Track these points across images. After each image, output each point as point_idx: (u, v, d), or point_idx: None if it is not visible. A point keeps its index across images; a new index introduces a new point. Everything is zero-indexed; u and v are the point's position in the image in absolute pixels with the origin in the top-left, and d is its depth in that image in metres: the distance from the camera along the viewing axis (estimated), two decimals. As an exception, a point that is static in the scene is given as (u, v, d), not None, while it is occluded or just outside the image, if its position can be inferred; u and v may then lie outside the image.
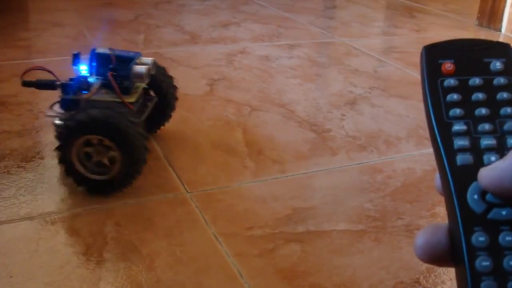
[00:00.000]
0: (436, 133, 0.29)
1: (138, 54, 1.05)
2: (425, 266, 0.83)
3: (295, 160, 1.13)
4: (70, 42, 1.85)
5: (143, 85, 1.05)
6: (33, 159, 1.08)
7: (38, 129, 1.21)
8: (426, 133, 1.14)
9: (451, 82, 0.30)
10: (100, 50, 1.04)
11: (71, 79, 1.01)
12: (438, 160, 0.29)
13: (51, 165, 1.06)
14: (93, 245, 0.84)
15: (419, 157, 1.17)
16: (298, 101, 1.43)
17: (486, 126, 0.29)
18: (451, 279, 0.81)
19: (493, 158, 0.28)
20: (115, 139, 0.92)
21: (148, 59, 1.06)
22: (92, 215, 0.92)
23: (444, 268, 0.83)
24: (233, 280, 0.78)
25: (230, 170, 1.08)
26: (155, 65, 1.08)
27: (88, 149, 0.94)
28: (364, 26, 2.29)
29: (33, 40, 1.87)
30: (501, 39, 2.19)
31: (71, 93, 1.00)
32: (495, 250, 0.26)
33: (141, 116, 1.03)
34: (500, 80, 0.30)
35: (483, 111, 0.29)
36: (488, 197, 0.27)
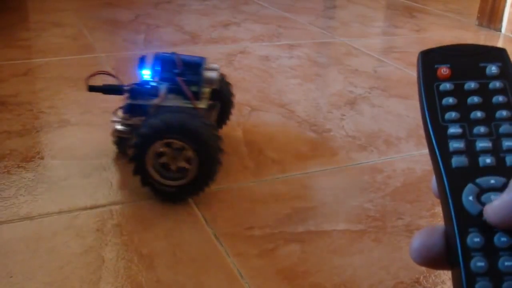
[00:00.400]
0: (432, 136, 0.29)
1: (204, 59, 1.02)
2: (425, 266, 0.83)
3: (295, 160, 1.13)
4: (70, 42, 1.85)
5: (208, 90, 1.03)
6: (33, 159, 1.08)
7: (38, 129, 1.21)
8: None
9: (446, 86, 0.31)
10: (164, 54, 1.01)
11: (136, 84, 0.99)
12: (433, 163, 0.29)
13: (51, 165, 1.06)
14: (93, 245, 0.84)
15: (419, 157, 1.17)
16: (298, 101, 1.43)
17: (482, 129, 0.29)
18: (451, 279, 0.81)
19: (488, 161, 0.28)
20: (193, 142, 0.89)
21: (214, 65, 1.04)
22: (92, 215, 0.92)
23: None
24: (233, 280, 0.78)
25: (230, 170, 1.08)
26: (218, 70, 1.06)
27: (163, 159, 0.92)
28: (364, 26, 2.29)
29: (33, 40, 1.87)
30: (501, 39, 2.19)
31: (139, 98, 0.98)
32: (490, 251, 0.26)
33: (211, 121, 1.01)
34: (496, 84, 0.30)
35: (479, 114, 0.30)
36: (483, 198, 0.27)
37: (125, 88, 1.00)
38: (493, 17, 2.29)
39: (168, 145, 0.91)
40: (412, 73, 1.68)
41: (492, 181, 0.28)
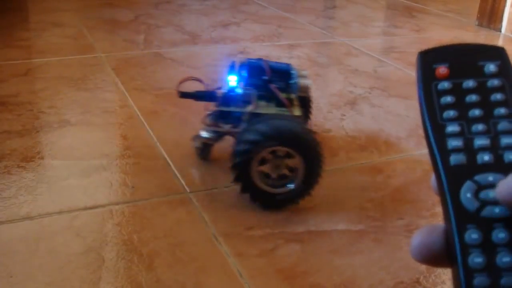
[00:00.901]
0: (430, 134, 0.30)
1: (290, 65, 1.02)
2: (425, 266, 0.83)
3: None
4: (70, 42, 1.85)
5: (294, 96, 1.02)
6: (33, 159, 1.08)
7: (38, 129, 1.21)
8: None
9: (445, 85, 0.31)
10: (251, 60, 1.01)
11: (227, 91, 0.99)
12: (432, 161, 0.29)
13: (51, 165, 1.06)
14: (93, 245, 0.84)
15: (419, 157, 1.17)
16: (298, 101, 1.43)
17: (480, 127, 0.29)
18: (451, 279, 0.81)
19: (486, 158, 0.28)
20: (301, 149, 0.89)
21: (304, 71, 1.04)
22: (92, 215, 0.92)
23: (444, 268, 0.83)
24: (233, 280, 0.78)
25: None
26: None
27: (265, 166, 0.91)
28: (364, 26, 2.29)
29: (33, 40, 1.87)
30: (501, 39, 2.19)
31: (231, 105, 0.98)
32: (488, 247, 0.26)
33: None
34: (494, 82, 0.30)
35: (477, 112, 0.30)
36: (481, 195, 0.27)
37: (218, 95, 0.99)
38: (493, 17, 2.29)
39: (272, 152, 0.90)
40: (412, 73, 1.68)
41: (490, 178, 0.28)
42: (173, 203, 0.96)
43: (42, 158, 1.09)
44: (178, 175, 1.05)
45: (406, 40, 2.11)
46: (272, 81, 0.98)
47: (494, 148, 0.28)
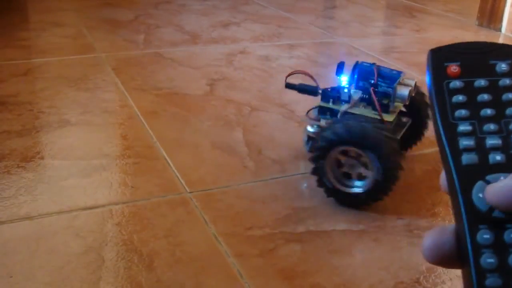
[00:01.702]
0: (442, 133, 0.29)
1: (401, 73, 1.03)
2: (425, 266, 0.83)
3: (295, 160, 1.13)
4: (70, 42, 1.85)
5: (401, 105, 1.03)
6: (33, 159, 1.08)
7: (38, 129, 1.21)
8: (426, 133, 1.14)
9: (456, 84, 0.30)
10: (364, 63, 1.04)
11: (330, 88, 1.02)
12: (443, 160, 0.29)
13: (51, 165, 1.06)
14: (93, 245, 0.84)
15: (419, 157, 1.17)
16: (298, 101, 1.43)
17: (492, 126, 0.29)
18: (451, 279, 0.81)
19: (498, 158, 0.28)
20: (371, 153, 0.90)
21: (411, 81, 1.04)
22: (92, 215, 0.92)
23: (444, 268, 0.83)
24: (233, 280, 0.78)
25: (230, 170, 1.08)
26: (416, 86, 1.05)
27: (342, 165, 0.94)
28: (364, 26, 2.28)
29: (33, 40, 1.87)
30: (501, 39, 2.19)
31: (330, 101, 1.01)
32: (500, 248, 0.26)
33: (396, 135, 1.00)
34: (506, 81, 0.30)
35: (489, 111, 0.29)
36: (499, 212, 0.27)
37: (319, 90, 1.04)
38: (493, 17, 2.29)
39: (345, 151, 0.93)
40: (412, 73, 1.68)
41: (502, 178, 0.28)
42: (173, 203, 0.96)
43: (42, 158, 1.09)
44: (178, 175, 1.05)
45: (406, 40, 2.11)
46: (377, 85, 1.00)
47: (506, 148, 0.28)
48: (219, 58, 1.74)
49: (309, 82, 1.10)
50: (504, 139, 0.29)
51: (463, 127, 0.29)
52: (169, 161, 1.09)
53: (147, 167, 1.07)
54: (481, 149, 0.28)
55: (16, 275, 0.77)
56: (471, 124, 0.29)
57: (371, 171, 0.92)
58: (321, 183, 0.96)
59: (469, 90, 0.30)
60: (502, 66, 0.30)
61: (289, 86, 1.09)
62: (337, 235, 0.89)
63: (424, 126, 1.13)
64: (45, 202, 0.94)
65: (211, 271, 0.80)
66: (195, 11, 2.38)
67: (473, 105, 0.30)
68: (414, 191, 1.03)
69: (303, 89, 1.09)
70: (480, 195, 0.27)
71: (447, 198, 1.00)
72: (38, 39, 1.87)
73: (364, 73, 1.02)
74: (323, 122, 1.03)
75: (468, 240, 0.27)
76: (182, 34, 2.00)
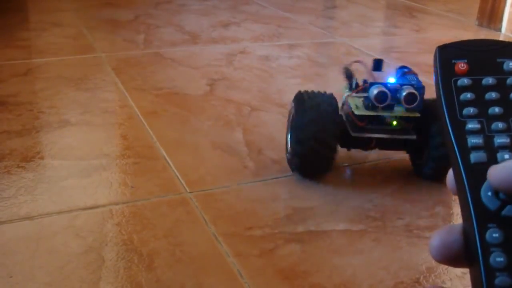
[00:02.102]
0: (450, 131, 0.29)
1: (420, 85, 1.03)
2: (425, 266, 0.83)
3: (295, 160, 1.12)
4: (70, 42, 1.85)
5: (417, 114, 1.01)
6: (33, 159, 1.08)
7: (38, 129, 1.21)
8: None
9: (464, 81, 0.30)
10: (405, 69, 1.08)
11: (370, 83, 1.04)
12: (452, 158, 0.29)
13: (51, 165, 1.06)
14: (93, 245, 0.84)
15: (419, 157, 1.16)
16: (298, 101, 1.43)
17: (500, 125, 0.29)
18: (451, 279, 0.81)
19: (506, 156, 0.28)
20: None
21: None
22: (92, 215, 0.92)
23: (444, 268, 0.83)
24: (233, 280, 0.78)
25: (230, 170, 1.08)
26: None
27: None
28: (364, 26, 2.28)
29: (33, 40, 1.87)
30: (501, 39, 2.19)
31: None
32: (509, 246, 0.26)
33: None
34: None
35: (497, 110, 0.29)
36: (502, 194, 0.27)
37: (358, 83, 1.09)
38: (493, 17, 2.29)
39: None
40: (412, 73, 1.68)
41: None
42: (173, 203, 0.96)
43: (42, 158, 1.09)
44: (178, 175, 1.05)
45: (406, 40, 2.11)
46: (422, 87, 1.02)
47: None
48: (219, 58, 1.74)
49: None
50: None
51: (472, 125, 0.29)
52: (169, 161, 1.09)
53: (147, 167, 1.07)
54: (489, 148, 0.28)
55: (16, 275, 0.77)
56: (479, 122, 0.29)
57: None
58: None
59: (477, 88, 0.30)
60: (510, 65, 0.30)
61: (347, 71, 1.14)
62: (337, 235, 0.89)
63: (425, 146, 1.05)
64: (45, 202, 0.94)
65: (211, 271, 0.80)
66: (195, 11, 2.38)
67: (481, 103, 0.30)
68: (414, 191, 1.03)
69: (348, 77, 1.13)
70: (489, 193, 0.27)
71: (447, 198, 1.00)
72: (38, 39, 1.87)
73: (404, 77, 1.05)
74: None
75: (477, 239, 0.27)
76: (182, 34, 2.00)
